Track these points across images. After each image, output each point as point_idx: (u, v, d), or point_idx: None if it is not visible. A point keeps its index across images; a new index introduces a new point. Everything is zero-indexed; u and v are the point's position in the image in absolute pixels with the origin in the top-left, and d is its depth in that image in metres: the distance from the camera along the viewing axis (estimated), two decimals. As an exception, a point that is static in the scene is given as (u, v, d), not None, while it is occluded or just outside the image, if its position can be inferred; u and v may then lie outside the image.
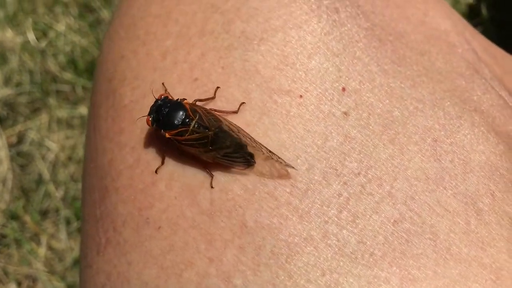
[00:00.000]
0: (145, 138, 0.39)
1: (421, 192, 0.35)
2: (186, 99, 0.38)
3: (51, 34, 1.39)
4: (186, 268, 0.34)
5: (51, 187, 1.19)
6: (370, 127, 0.36)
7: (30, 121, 1.28)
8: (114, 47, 0.44)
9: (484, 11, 1.11)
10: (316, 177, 0.34)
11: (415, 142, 0.37)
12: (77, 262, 1.11)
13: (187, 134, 0.38)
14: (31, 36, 1.39)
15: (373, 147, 0.36)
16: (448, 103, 0.39)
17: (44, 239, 1.14)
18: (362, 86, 0.38)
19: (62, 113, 1.27)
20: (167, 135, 0.38)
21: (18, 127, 1.28)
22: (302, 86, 0.36)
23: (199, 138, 0.38)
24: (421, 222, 0.34)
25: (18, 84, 1.33)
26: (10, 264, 1.12)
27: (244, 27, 0.39)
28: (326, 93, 0.37)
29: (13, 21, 1.46)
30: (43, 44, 1.38)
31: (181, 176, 0.36)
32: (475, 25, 1.09)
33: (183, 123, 0.38)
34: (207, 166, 0.36)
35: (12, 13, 1.45)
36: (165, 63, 0.40)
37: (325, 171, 0.35)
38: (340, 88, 0.37)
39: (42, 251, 1.13)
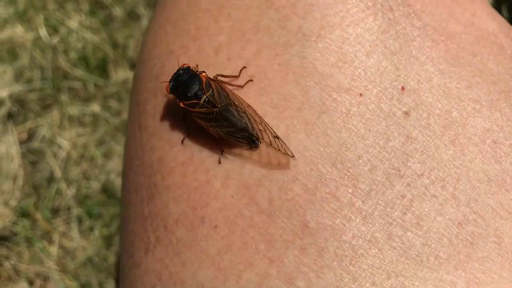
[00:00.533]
0: (198, 134, 0.38)
1: (484, 194, 0.34)
2: (204, 72, 0.39)
3: (63, 31, 1.38)
4: (245, 269, 0.33)
5: (63, 185, 1.18)
6: (431, 127, 0.36)
7: (41, 118, 1.27)
8: (161, 42, 0.43)
9: (505, 13, 1.10)
10: (379, 178, 0.34)
11: (475, 144, 0.36)
12: (89, 261, 1.10)
13: (197, 107, 0.38)
14: (42, 32, 1.38)
15: (434, 148, 0.35)
16: (504, 104, 0.38)
17: (56, 237, 1.12)
18: (421, 86, 0.37)
19: (74, 110, 1.26)
20: (181, 104, 0.39)
21: (29, 124, 1.27)
22: (362, 84, 0.36)
23: (206, 113, 0.38)
24: (485, 225, 0.33)
25: (29, 81, 1.32)
26: (21, 262, 1.11)
27: (300, 24, 0.38)
28: (386, 92, 0.36)
29: (23, 17, 1.44)
30: (54, 40, 1.37)
31: (237, 174, 0.35)
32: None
33: (196, 95, 0.38)
34: (219, 141, 0.37)
35: (23, 9, 1.43)
36: (218, 59, 0.39)
37: (388, 172, 0.34)
38: (400, 87, 0.36)
39: (54, 249, 1.11)
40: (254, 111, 0.37)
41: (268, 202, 0.34)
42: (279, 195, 0.34)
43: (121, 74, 1.30)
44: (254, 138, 0.37)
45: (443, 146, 0.35)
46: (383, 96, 0.36)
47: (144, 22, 1.36)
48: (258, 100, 0.36)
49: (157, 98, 0.42)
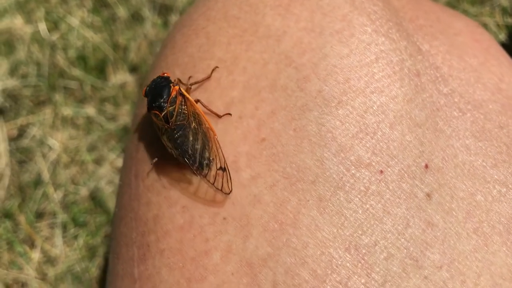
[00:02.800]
0: (198, 198, 0.35)
1: None
2: (177, 85, 0.39)
3: (63, 27, 1.34)
4: None
5: (50, 189, 1.14)
6: (453, 213, 0.32)
7: (33, 116, 1.23)
8: None
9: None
10: (395, 268, 0.30)
11: (499, 233, 0.33)
12: (70, 271, 1.06)
13: (157, 118, 0.38)
14: (42, 27, 1.33)
15: (456, 237, 0.32)
16: None
17: (38, 242, 1.08)
18: (445, 164, 0.34)
19: (68, 111, 1.22)
20: (147, 110, 0.39)
21: (20, 121, 1.23)
22: (383, 160, 0.33)
23: (160, 125, 0.38)
24: None
25: (24, 76, 1.28)
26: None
27: (321, 86, 0.35)
28: (409, 170, 0.33)
29: (23, 8, 1.40)
30: (54, 37, 1.33)
31: (240, 249, 0.32)
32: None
33: (159, 107, 0.38)
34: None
35: (24, 0, 1.39)
36: (228, 116, 0.36)
37: (405, 262, 0.31)
38: (423, 164, 0.33)
39: (35, 255, 1.07)
40: (214, 137, 0.36)
41: (272, 285, 0.30)
42: (284, 279, 0.30)
43: (120, 77, 1.26)
44: (194, 166, 0.36)
45: (466, 235, 0.32)
46: (405, 175, 0.33)
47: (148, 25, 1.32)
48: (269, 166, 0.33)
49: (158, 147, 0.39)
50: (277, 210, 0.32)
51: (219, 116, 0.37)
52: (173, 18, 1.31)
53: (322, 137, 0.33)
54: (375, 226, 0.31)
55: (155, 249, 0.34)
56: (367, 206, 0.31)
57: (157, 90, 0.39)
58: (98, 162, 1.16)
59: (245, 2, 0.41)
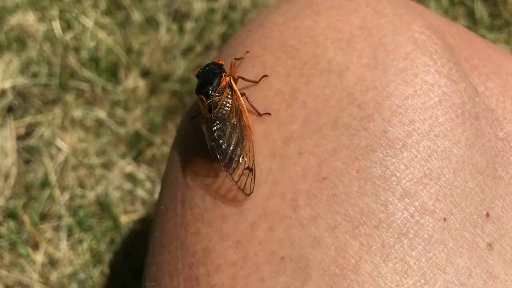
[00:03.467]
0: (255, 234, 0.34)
1: None
2: (229, 76, 0.39)
3: (77, 27, 1.33)
4: None
5: (56, 190, 1.13)
6: None
7: (42, 115, 1.22)
8: None
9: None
10: None
11: None
12: (74, 275, 1.05)
13: (202, 104, 0.39)
14: (56, 26, 1.32)
15: None
16: None
17: (42, 244, 1.07)
18: (505, 213, 0.33)
19: (77, 112, 1.21)
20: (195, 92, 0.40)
21: (29, 119, 1.22)
22: (447, 207, 0.32)
23: (202, 112, 0.39)
24: None
25: (35, 75, 1.27)
26: (0, 267, 1.05)
27: (385, 127, 0.34)
28: (471, 219, 0.32)
29: (36, 5, 1.39)
30: (67, 37, 1.31)
31: None
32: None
33: (206, 94, 0.39)
34: None
35: (37, -3, 1.38)
36: (287, 151, 0.35)
37: None
38: (484, 213, 0.33)
39: (38, 257, 1.06)
40: (250, 135, 0.37)
41: None
42: None
43: (131, 81, 1.25)
44: (223, 162, 0.37)
45: None
46: (468, 223, 0.32)
47: (163, 31, 1.31)
48: (330, 207, 0.32)
49: (209, 176, 0.38)
50: (338, 254, 0.31)
51: (260, 114, 0.38)
52: (189, 25, 1.31)
53: (387, 180, 0.32)
54: (438, 275, 0.30)
55: (205, 283, 0.33)
56: (431, 254, 0.31)
57: (209, 76, 0.39)
58: (106, 166, 1.15)
59: (304, 33, 0.40)
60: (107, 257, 1.06)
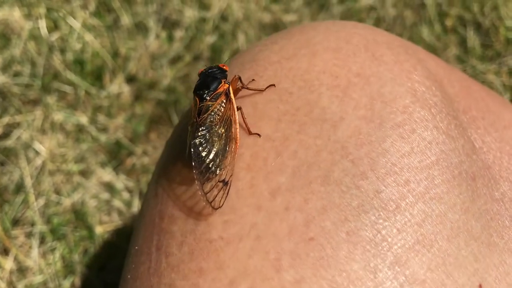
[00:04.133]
0: None
1: None
2: (229, 84, 0.38)
3: (64, 28, 1.30)
4: None
5: (31, 196, 1.09)
6: None
7: (22, 116, 1.18)
8: None
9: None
10: None
11: None
12: (43, 285, 1.02)
13: (194, 104, 0.38)
14: (42, 25, 1.29)
15: None
16: None
17: (13, 251, 1.04)
18: (498, 284, 0.32)
19: (58, 115, 1.18)
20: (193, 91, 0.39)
21: (7, 119, 1.18)
22: (439, 278, 0.30)
23: (192, 112, 0.38)
24: None
25: (17, 74, 1.23)
26: (-32, 272, 1.02)
27: (379, 187, 0.32)
28: None
29: (23, 1, 1.35)
30: (53, 37, 1.28)
31: None
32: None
33: (200, 97, 0.38)
34: None
35: (25, -7, 1.35)
36: (274, 205, 0.33)
37: None
38: (477, 284, 0.31)
39: (8, 264, 1.03)
40: (235, 148, 0.36)
41: None
42: None
43: (116, 87, 1.23)
44: (197, 170, 0.35)
45: None
46: None
47: (152, 37, 1.28)
48: (316, 271, 0.30)
49: (189, 221, 0.36)
50: None
51: (250, 133, 0.36)
52: (179, 33, 1.28)
53: (377, 245, 0.30)
54: None
55: None
56: None
57: (208, 79, 0.38)
58: (84, 174, 1.12)
59: (299, 76, 0.38)
60: (79, 268, 1.04)
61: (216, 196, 0.34)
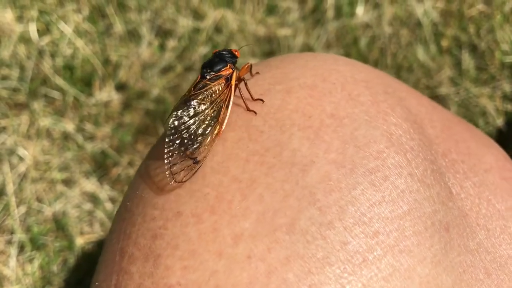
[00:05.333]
0: None
1: None
2: (234, 70, 0.38)
3: (55, 32, 1.28)
4: None
5: (12, 203, 1.07)
6: None
7: (7, 120, 1.16)
8: (170, 192, 0.35)
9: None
10: None
11: None
12: (19, 296, 1.00)
13: (194, 82, 0.38)
14: (32, 28, 1.27)
15: None
16: None
17: (-11, 260, 1.02)
18: None
19: (45, 121, 1.16)
20: None
21: (-8, 123, 1.16)
22: None
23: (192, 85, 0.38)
24: None
25: (4, 77, 1.21)
26: None
27: (346, 238, 0.30)
28: None
29: (16, 3, 1.34)
30: (44, 41, 1.26)
31: None
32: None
33: (202, 74, 0.38)
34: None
35: (18, -6, 1.33)
36: (236, 252, 0.31)
37: None
38: None
39: (-16, 273, 1.01)
40: (218, 133, 0.36)
41: None
42: None
43: (105, 94, 1.21)
44: (171, 146, 0.35)
45: None
46: None
47: (144, 45, 1.27)
48: None
49: (148, 264, 0.34)
50: None
51: (254, 99, 0.37)
52: (171, 43, 1.27)
53: None
54: None
55: None
56: None
57: (215, 60, 0.39)
58: (67, 183, 1.10)
59: (271, 113, 0.36)
60: (58, 280, 1.01)
61: (182, 171, 0.34)
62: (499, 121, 1.11)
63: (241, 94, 0.38)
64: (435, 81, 1.16)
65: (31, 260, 1.03)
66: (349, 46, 1.22)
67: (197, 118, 0.36)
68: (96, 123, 1.17)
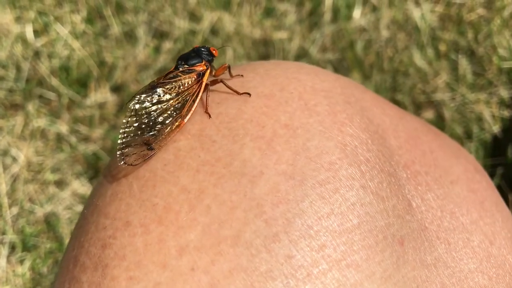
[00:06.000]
0: None
1: None
2: (208, 68, 0.39)
3: (52, 33, 1.28)
4: None
5: (4, 203, 1.08)
6: None
7: (2, 121, 1.17)
8: (120, 201, 0.35)
9: (510, 152, 1.05)
10: None
11: None
12: (9, 297, 1.00)
13: (170, 72, 0.38)
14: (28, 29, 1.28)
15: None
16: None
17: (-20, 260, 1.02)
18: None
19: (39, 122, 1.16)
20: None
21: (-12, 123, 1.17)
22: None
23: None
24: None
25: (1, 78, 1.22)
26: None
27: (291, 251, 0.30)
28: None
29: (15, 3, 1.34)
30: (40, 42, 1.27)
31: None
32: (496, 165, 1.03)
33: (176, 65, 0.38)
34: None
35: (17, -5, 1.34)
36: (180, 264, 0.30)
37: None
38: None
39: (-26, 273, 1.01)
40: (179, 126, 0.35)
41: None
42: None
43: (100, 96, 1.21)
44: (129, 124, 0.35)
45: None
46: None
47: (140, 47, 1.27)
48: None
49: (97, 273, 0.33)
50: None
51: (206, 111, 0.36)
52: (167, 45, 1.27)
53: None
54: None
55: None
56: None
57: (191, 54, 0.39)
58: (59, 185, 1.10)
59: (226, 123, 0.36)
60: (47, 282, 1.02)
61: (134, 154, 0.34)
62: (495, 128, 1.09)
63: (207, 95, 0.37)
64: (431, 86, 1.15)
65: (22, 261, 1.03)
66: (345, 49, 1.21)
67: (159, 106, 0.36)
68: (91, 124, 1.17)
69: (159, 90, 0.36)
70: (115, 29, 1.29)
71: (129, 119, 0.35)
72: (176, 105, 0.36)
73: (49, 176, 1.10)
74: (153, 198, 0.34)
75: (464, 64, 1.17)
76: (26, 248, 1.04)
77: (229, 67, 0.39)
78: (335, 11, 1.27)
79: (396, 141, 0.39)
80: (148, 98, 0.35)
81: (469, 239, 0.37)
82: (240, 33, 1.27)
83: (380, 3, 1.27)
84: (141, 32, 1.29)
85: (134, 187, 0.35)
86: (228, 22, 1.28)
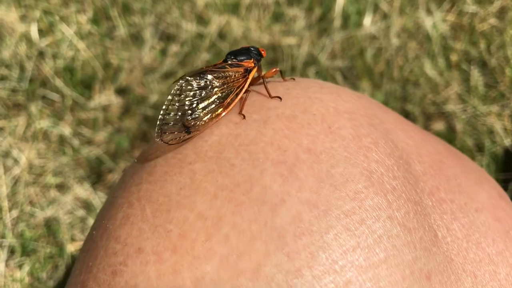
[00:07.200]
0: None
1: None
2: (256, 66, 0.39)
3: (57, 33, 1.26)
4: None
5: (4, 206, 1.06)
6: None
7: (4, 121, 1.15)
8: (129, 227, 0.33)
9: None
10: None
11: None
12: (7, 302, 0.98)
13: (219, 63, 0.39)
14: (33, 29, 1.26)
15: None
16: None
17: (-22, 264, 1.00)
18: None
19: (42, 124, 1.14)
20: None
21: (-11, 124, 1.15)
22: None
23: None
24: None
25: (4, 77, 1.20)
26: None
27: None
28: None
29: (21, 2, 1.32)
30: (44, 43, 1.25)
31: None
32: (508, 180, 1.01)
33: (225, 58, 0.39)
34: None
35: (23, -6, 1.32)
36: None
37: None
38: None
39: (-28, 277, 0.99)
40: (220, 115, 0.35)
41: None
42: None
43: (104, 98, 1.19)
44: (172, 112, 0.36)
45: None
46: None
47: (146, 49, 1.25)
48: None
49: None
50: None
51: (271, 97, 0.37)
52: (174, 48, 1.24)
53: None
54: None
55: None
56: None
57: (242, 51, 0.40)
58: (61, 189, 1.08)
59: (245, 145, 0.33)
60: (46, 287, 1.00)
61: (171, 133, 0.34)
62: (507, 141, 1.07)
63: (246, 97, 0.37)
64: (442, 97, 1.13)
65: (20, 266, 1.01)
66: (355, 57, 1.19)
67: (204, 92, 0.36)
68: (94, 126, 1.15)
69: (208, 76, 0.36)
70: (121, 30, 1.27)
71: (174, 97, 0.35)
72: (220, 94, 0.36)
73: (51, 180, 1.08)
74: (167, 224, 0.32)
75: (476, 75, 1.15)
76: (25, 252, 1.02)
77: (281, 71, 0.40)
78: (345, 18, 1.25)
79: (420, 167, 0.37)
80: (196, 81, 0.36)
81: (496, 271, 0.35)
82: (248, 37, 1.25)
83: (391, 11, 1.24)
84: (147, 34, 1.27)
85: (147, 211, 0.33)
86: (236, 26, 1.26)
